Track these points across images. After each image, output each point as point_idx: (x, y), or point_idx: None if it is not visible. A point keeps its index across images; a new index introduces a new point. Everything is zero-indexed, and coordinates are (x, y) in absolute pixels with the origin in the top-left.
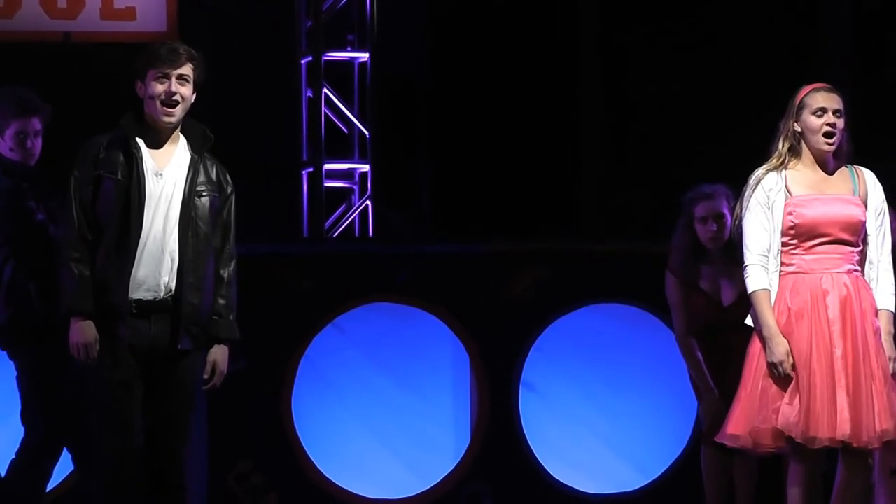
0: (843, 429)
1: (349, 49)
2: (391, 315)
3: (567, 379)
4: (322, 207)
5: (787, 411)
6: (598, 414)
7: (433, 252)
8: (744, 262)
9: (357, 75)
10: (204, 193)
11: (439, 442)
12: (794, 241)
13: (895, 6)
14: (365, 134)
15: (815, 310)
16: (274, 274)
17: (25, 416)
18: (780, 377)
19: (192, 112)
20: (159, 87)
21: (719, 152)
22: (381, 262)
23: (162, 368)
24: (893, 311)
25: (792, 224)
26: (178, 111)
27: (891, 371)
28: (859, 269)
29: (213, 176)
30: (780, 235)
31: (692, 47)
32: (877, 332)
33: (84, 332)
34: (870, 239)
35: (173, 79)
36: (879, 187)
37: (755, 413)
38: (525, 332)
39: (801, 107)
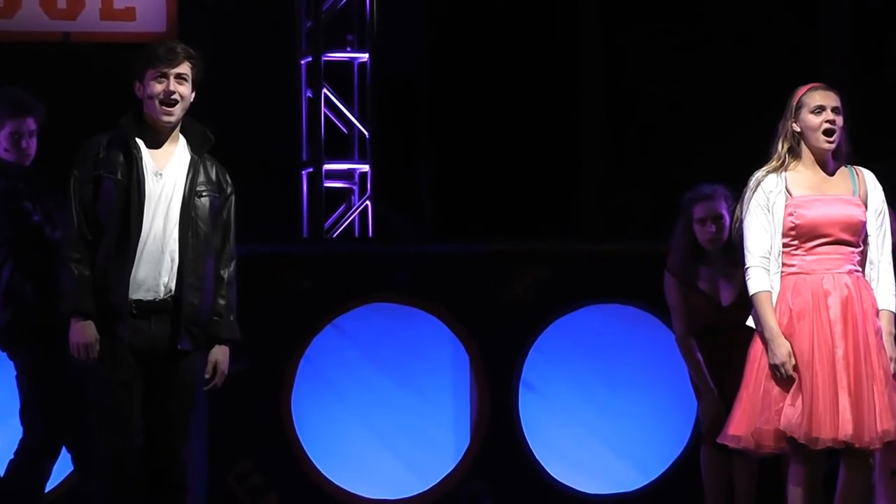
0: (845, 429)
1: (349, 49)
2: (391, 315)
3: (567, 379)
4: (322, 208)
5: (790, 412)
6: (598, 414)
7: (433, 252)
8: (745, 265)
9: (357, 75)
10: (204, 194)
11: (439, 442)
12: (795, 242)
13: (895, 6)
14: (364, 134)
15: (817, 310)
16: (274, 274)
17: (24, 417)
18: (783, 378)
19: (192, 112)
20: (158, 87)
21: (719, 152)
22: (381, 263)
23: (162, 369)
24: (894, 311)
25: (793, 225)
26: (177, 110)
27: (892, 371)
28: (860, 269)
29: (213, 176)
30: (780, 237)
31: (692, 47)
32: (878, 333)
33: (84, 332)
34: (870, 239)
35: (171, 78)
36: (879, 188)
37: (757, 414)
38: (525, 333)
39: (800, 106)
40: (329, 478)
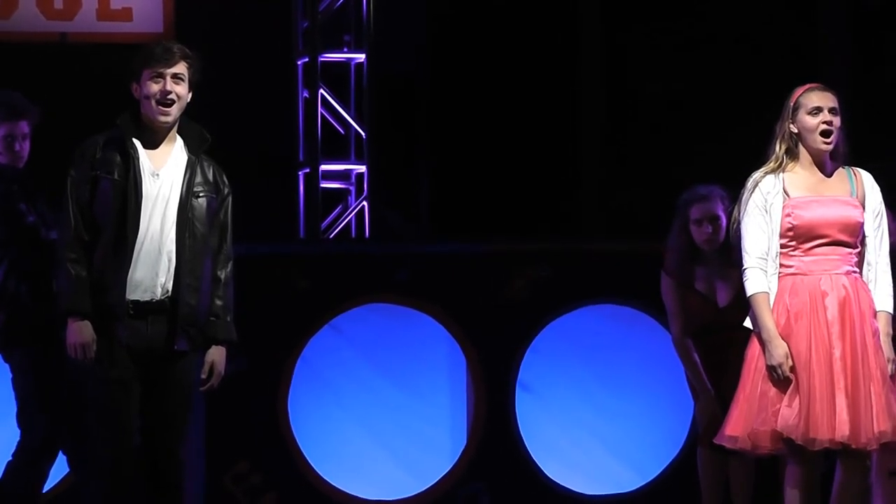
0: (842, 430)
1: (345, 50)
2: (388, 315)
3: (564, 380)
4: (318, 208)
5: (787, 413)
6: (595, 415)
7: (430, 252)
8: (742, 266)
9: (353, 76)
10: (201, 194)
11: (436, 442)
12: (793, 243)
13: (895, 6)
14: (361, 135)
15: (814, 311)
16: (271, 274)
17: (22, 419)
18: (780, 379)
19: (189, 112)
20: (154, 87)
21: (719, 152)
22: (379, 263)
23: (159, 369)
24: (891, 312)
25: (790, 226)
26: (174, 110)
27: (889, 373)
28: (858, 270)
29: (210, 177)
30: (778, 238)
31: (692, 47)
32: (875, 334)
33: (81, 332)
34: (868, 240)
35: (168, 78)
36: (877, 189)
37: (754, 415)
38: (522, 333)
39: (797, 107)
40: (326, 478)
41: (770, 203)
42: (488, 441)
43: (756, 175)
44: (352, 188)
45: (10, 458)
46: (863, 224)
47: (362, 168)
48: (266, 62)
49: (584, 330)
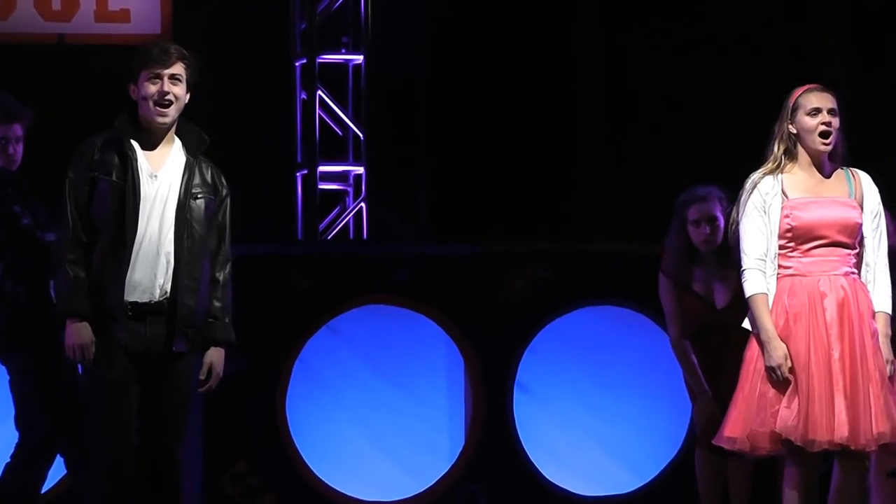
0: (841, 432)
1: (343, 51)
2: (387, 316)
3: (562, 381)
4: (316, 210)
5: (786, 415)
6: (593, 416)
7: (429, 253)
8: (741, 267)
9: (351, 77)
10: (199, 196)
11: (434, 444)
12: (792, 244)
13: (895, 6)
14: (359, 136)
15: (813, 312)
16: (269, 275)
17: (20, 420)
18: (778, 381)
19: (187, 114)
20: (152, 88)
21: (718, 152)
22: (377, 264)
23: (157, 370)
24: (890, 313)
25: (789, 227)
26: (172, 111)
27: (888, 374)
28: (856, 271)
29: (209, 178)
30: (777, 239)
31: (691, 47)
32: (874, 335)
33: (80, 333)
34: (866, 241)
35: (165, 78)
36: (875, 190)
37: (753, 416)
38: (520, 334)
39: (796, 108)
40: (324, 479)
41: (769, 204)
42: (486, 442)
43: (754, 176)
44: (350, 189)
45: (8, 460)
46: (861, 225)
47: (360, 169)
48: (264, 63)
49: (582, 331)
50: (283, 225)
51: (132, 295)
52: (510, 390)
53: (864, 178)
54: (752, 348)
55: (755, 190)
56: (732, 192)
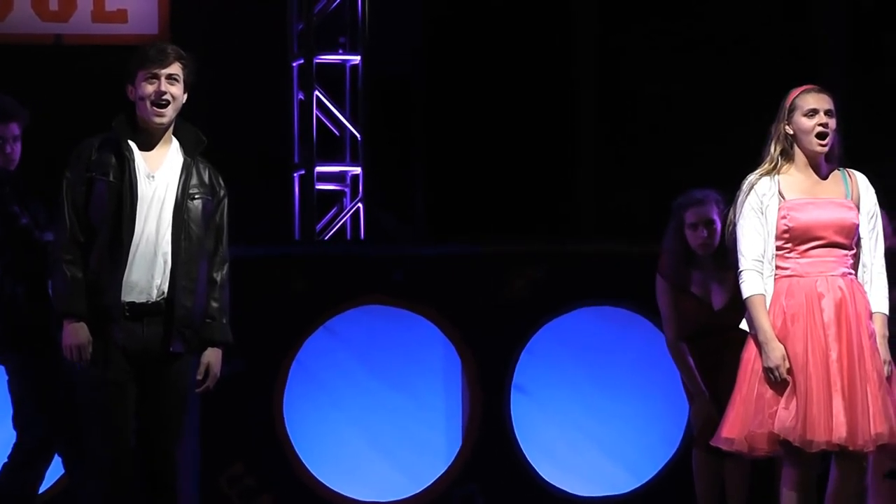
0: (839, 432)
1: (341, 52)
2: (384, 317)
3: (559, 381)
4: (313, 210)
5: (784, 415)
6: (590, 416)
7: (426, 254)
8: (738, 268)
9: (349, 78)
10: (196, 196)
11: (431, 444)
12: (789, 245)
13: (894, 6)
14: (357, 136)
15: (811, 313)
16: (267, 276)
17: (18, 420)
18: (776, 382)
19: (184, 114)
20: (149, 88)
21: (717, 153)
22: (374, 264)
23: (154, 371)
24: (887, 313)
25: (786, 228)
26: (169, 111)
27: (885, 374)
28: (853, 272)
29: (206, 179)
30: (774, 240)
31: (690, 47)
32: (872, 336)
33: (77, 333)
34: (863, 242)
35: (163, 79)
36: (872, 190)
37: (751, 417)
38: (518, 335)
39: (792, 109)
40: (321, 480)
41: (766, 205)
42: (483, 443)
43: (751, 177)
44: (347, 190)
45: (5, 460)
46: (858, 226)
47: (357, 170)
48: (261, 64)
49: (579, 332)
50: (281, 225)
51: (129, 295)
52: (507, 391)
53: (861, 179)
54: (750, 349)
55: (752, 191)
56: (731, 193)
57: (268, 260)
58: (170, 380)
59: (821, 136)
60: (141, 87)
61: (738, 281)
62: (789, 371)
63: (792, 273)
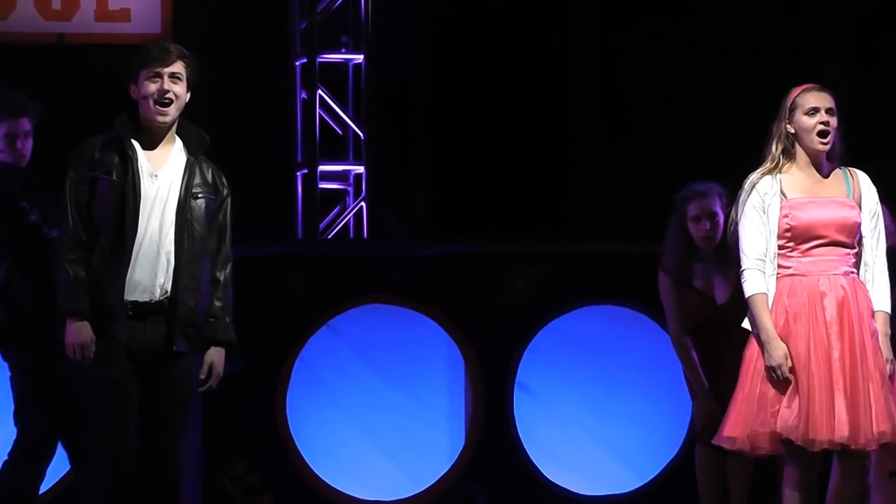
0: (842, 431)
1: (344, 51)
2: (386, 316)
3: (562, 380)
4: (316, 209)
5: (786, 414)
6: (593, 415)
7: (428, 253)
8: (740, 267)
9: (352, 77)
10: (199, 195)
11: (434, 444)
12: (791, 244)
13: (894, 6)
14: (360, 135)
15: (813, 312)
16: (269, 275)
17: (19, 417)
18: (779, 380)
19: (187, 114)
20: (152, 87)
21: (718, 152)
22: (377, 264)
23: (157, 370)
24: (889, 312)
25: (788, 227)
26: (172, 110)
27: (888, 373)
28: (855, 271)
29: (209, 178)
30: (776, 239)
31: (690, 47)
32: (874, 334)
33: (80, 332)
34: (864, 241)
35: (165, 77)
36: (873, 189)
37: (753, 416)
38: (520, 334)
39: (793, 108)
40: (324, 479)
41: (767, 204)
42: (486, 442)
43: (753, 176)
44: (350, 189)
45: (6, 458)
46: (860, 225)
47: (360, 169)
48: (264, 63)
49: (582, 331)
50: (283, 225)
51: (132, 294)
52: (510, 390)
53: (863, 178)
54: (752, 348)
55: (754, 190)
56: (732, 193)
57: (270, 259)
58: (172, 379)
59: (822, 134)
60: (144, 86)
61: (740, 279)
62: (791, 370)
63: (794, 272)
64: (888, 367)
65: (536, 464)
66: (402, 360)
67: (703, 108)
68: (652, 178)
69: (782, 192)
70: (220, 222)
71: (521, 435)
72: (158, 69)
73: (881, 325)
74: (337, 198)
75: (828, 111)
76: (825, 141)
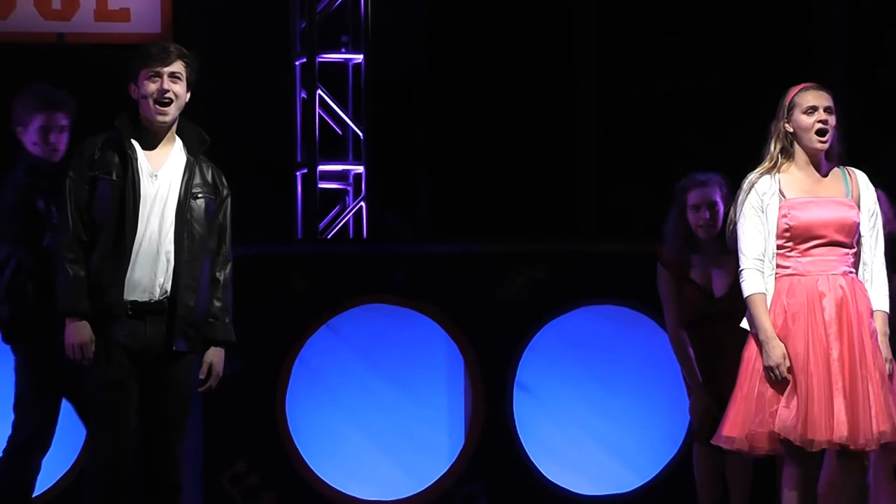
0: (840, 431)
1: (343, 50)
2: (386, 316)
3: (562, 380)
4: (316, 209)
5: (785, 414)
6: (593, 415)
7: (428, 253)
8: (739, 267)
9: (351, 77)
10: (199, 195)
11: (434, 443)
12: (790, 244)
13: (894, 6)
14: (359, 135)
15: (812, 312)
16: (269, 275)
17: (18, 408)
18: (777, 380)
19: (187, 113)
20: (152, 86)
21: (718, 152)
22: (377, 263)
23: (157, 370)
24: (888, 311)
25: (787, 227)
26: (172, 109)
27: (887, 372)
28: (854, 270)
29: (209, 178)
30: (774, 239)
31: (690, 47)
32: (873, 334)
33: (80, 332)
34: (863, 240)
35: (165, 77)
36: (872, 189)
37: (751, 416)
38: (520, 333)
39: (792, 107)
40: (324, 479)
41: (766, 204)
42: (486, 441)
43: (752, 176)
44: (349, 189)
45: (1, 455)
46: (859, 224)
47: (360, 168)
48: (264, 63)
49: (581, 330)
50: (283, 224)
51: (132, 294)
52: (510, 389)
53: (861, 177)
54: (751, 348)
55: (752, 190)
56: (731, 192)
57: (270, 259)
58: (172, 379)
59: (821, 132)
60: (143, 86)
61: (738, 279)
62: (790, 370)
63: (793, 272)
64: (887, 366)
65: (536, 463)
66: (402, 359)
67: (704, 108)
68: (652, 178)
69: (781, 192)
70: (219, 222)
71: (521, 434)
72: (158, 69)
73: (880, 325)
74: (337, 198)
75: (826, 110)
76: (824, 139)
